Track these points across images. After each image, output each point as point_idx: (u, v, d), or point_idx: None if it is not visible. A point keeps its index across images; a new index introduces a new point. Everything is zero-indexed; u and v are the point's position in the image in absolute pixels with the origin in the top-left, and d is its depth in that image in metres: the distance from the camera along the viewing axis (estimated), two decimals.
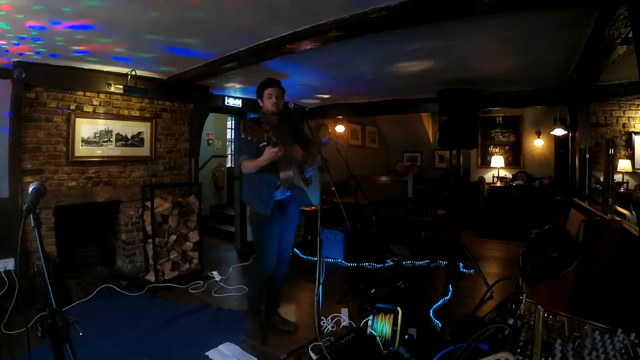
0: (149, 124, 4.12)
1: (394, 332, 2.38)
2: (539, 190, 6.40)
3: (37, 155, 3.37)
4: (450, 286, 3.64)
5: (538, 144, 6.92)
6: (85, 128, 3.64)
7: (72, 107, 3.55)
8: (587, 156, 3.84)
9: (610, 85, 3.92)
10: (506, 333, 1.27)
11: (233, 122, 7.62)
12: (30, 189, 1.17)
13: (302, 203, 2.75)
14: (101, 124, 3.75)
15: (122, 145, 3.91)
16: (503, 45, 2.88)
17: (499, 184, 6.98)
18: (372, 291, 3.16)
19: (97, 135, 3.72)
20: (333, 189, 2.51)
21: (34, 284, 3.24)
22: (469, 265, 4.15)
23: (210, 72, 3.53)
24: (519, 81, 4.12)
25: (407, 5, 1.98)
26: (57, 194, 3.47)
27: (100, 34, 2.53)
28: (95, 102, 3.70)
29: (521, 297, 1.54)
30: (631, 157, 4.92)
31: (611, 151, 2.93)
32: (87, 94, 3.64)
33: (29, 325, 2.08)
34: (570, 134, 4.50)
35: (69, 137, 3.52)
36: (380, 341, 2.37)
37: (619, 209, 2.82)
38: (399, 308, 2.42)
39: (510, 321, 1.36)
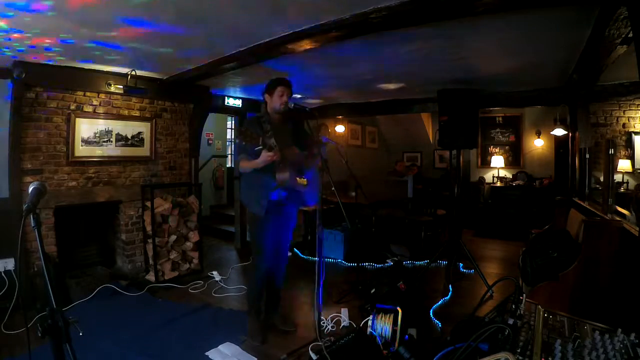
0: (149, 124, 4.11)
1: (394, 332, 2.38)
2: (539, 190, 6.40)
3: (37, 155, 3.37)
4: (450, 286, 3.64)
5: (538, 144, 6.92)
6: (85, 128, 3.64)
7: (72, 107, 3.55)
8: (587, 156, 3.84)
9: (610, 85, 3.92)
10: (506, 333, 1.27)
11: (233, 122, 7.64)
12: (30, 189, 1.17)
13: (299, 204, 2.76)
14: (101, 124, 3.75)
15: (122, 145, 3.91)
16: (503, 45, 2.88)
17: (499, 184, 6.98)
18: (372, 291, 3.16)
19: (97, 135, 3.72)
20: (333, 189, 2.51)
21: (34, 284, 3.24)
22: (469, 265, 4.15)
23: (210, 72, 3.53)
24: (519, 81, 4.12)
25: (407, 5, 1.98)
26: (57, 194, 3.47)
27: (101, 34, 2.53)
28: (95, 102, 3.70)
29: (521, 297, 1.54)
30: (631, 157, 4.92)
31: (611, 151, 2.93)
32: (87, 94, 3.64)
33: (29, 325, 2.08)
34: (570, 134, 4.50)
35: (69, 137, 3.52)
36: (380, 341, 2.37)
37: (619, 209, 2.82)
38: (399, 308, 2.42)
39: (510, 321, 1.36)
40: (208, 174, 7.49)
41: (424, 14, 2.09)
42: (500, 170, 7.15)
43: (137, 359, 2.45)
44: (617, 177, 4.87)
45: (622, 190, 4.73)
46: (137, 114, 4.04)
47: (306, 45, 2.62)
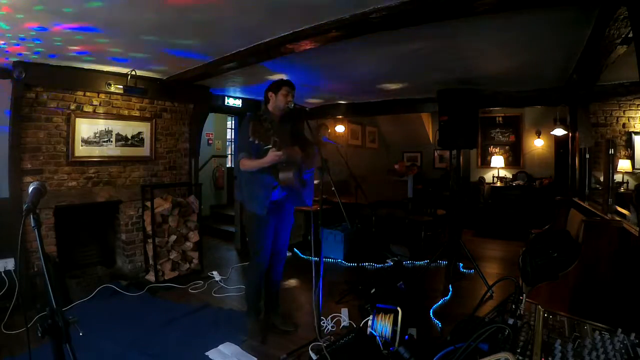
0: (149, 124, 4.11)
1: (394, 332, 2.38)
2: (539, 190, 6.40)
3: (37, 155, 3.37)
4: (450, 286, 3.64)
5: (538, 144, 6.92)
6: (85, 128, 3.64)
7: (72, 107, 3.55)
8: (587, 156, 3.84)
9: (610, 85, 3.92)
10: (506, 333, 1.27)
11: (233, 122, 7.64)
12: (30, 189, 1.17)
13: (297, 203, 2.76)
14: (101, 124, 3.75)
15: (122, 145, 3.91)
16: (503, 45, 2.88)
17: (499, 184, 6.98)
18: (372, 291, 3.16)
19: (97, 135, 3.72)
20: (333, 189, 2.52)
21: (34, 284, 3.24)
22: (469, 265, 4.15)
23: (210, 72, 3.53)
24: (519, 81, 4.11)
25: (407, 5, 1.97)
26: (57, 194, 3.47)
27: (100, 35, 2.53)
28: (95, 102, 3.70)
29: (521, 297, 1.54)
30: (631, 157, 4.91)
31: (611, 151, 2.93)
32: (87, 94, 3.64)
33: (29, 325, 2.08)
34: (570, 134, 4.50)
35: (69, 137, 3.52)
36: (380, 341, 2.37)
37: (619, 209, 2.82)
38: (399, 308, 2.42)
39: (510, 321, 1.36)
40: (208, 174, 7.49)
41: (424, 13, 2.09)
42: (500, 170, 7.15)
43: (137, 358, 2.45)
44: (617, 177, 4.86)
45: (622, 190, 4.73)
46: (137, 114, 4.04)
47: (306, 45, 2.62)
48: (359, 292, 3.51)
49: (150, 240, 3.91)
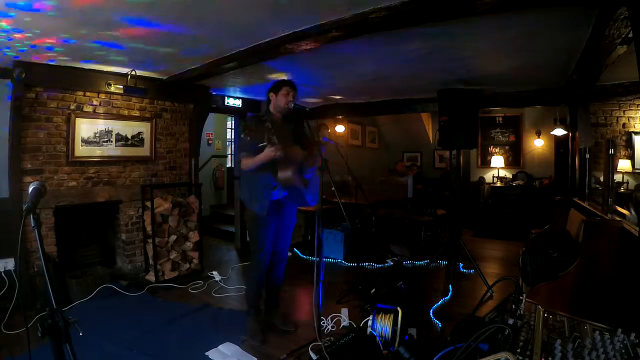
0: (149, 124, 4.11)
1: (394, 332, 2.38)
2: (539, 190, 6.40)
3: (37, 155, 3.37)
4: (450, 286, 3.64)
5: (538, 144, 6.92)
6: (85, 128, 3.63)
7: (72, 107, 3.55)
8: (587, 156, 3.83)
9: (610, 85, 3.92)
10: (506, 333, 1.27)
11: (233, 122, 7.64)
12: (30, 189, 1.17)
13: (299, 203, 2.76)
14: (101, 124, 3.74)
15: (122, 145, 3.91)
16: (503, 45, 2.88)
17: (499, 184, 6.98)
18: (372, 291, 3.15)
19: (97, 135, 3.72)
20: (333, 189, 2.51)
21: (34, 284, 3.24)
22: (469, 265, 4.15)
23: (210, 72, 3.53)
24: (519, 81, 4.12)
25: (407, 5, 1.97)
26: (57, 194, 3.46)
27: (99, 35, 2.53)
28: (95, 102, 3.70)
29: (521, 297, 1.54)
30: (631, 157, 4.92)
31: (611, 151, 2.92)
32: (87, 94, 3.64)
33: (29, 325, 2.07)
34: (570, 134, 4.49)
35: (69, 137, 3.52)
36: (380, 341, 2.37)
37: (619, 209, 2.82)
38: (399, 308, 2.42)
39: (510, 321, 1.36)
40: (208, 174, 7.49)
41: (424, 13, 2.09)
42: (500, 170, 7.15)
43: (137, 359, 2.45)
44: (617, 177, 4.87)
45: (622, 190, 4.73)
46: (137, 114, 4.04)
47: (306, 45, 2.62)
48: (359, 292, 3.52)
49: (150, 240, 3.91)
